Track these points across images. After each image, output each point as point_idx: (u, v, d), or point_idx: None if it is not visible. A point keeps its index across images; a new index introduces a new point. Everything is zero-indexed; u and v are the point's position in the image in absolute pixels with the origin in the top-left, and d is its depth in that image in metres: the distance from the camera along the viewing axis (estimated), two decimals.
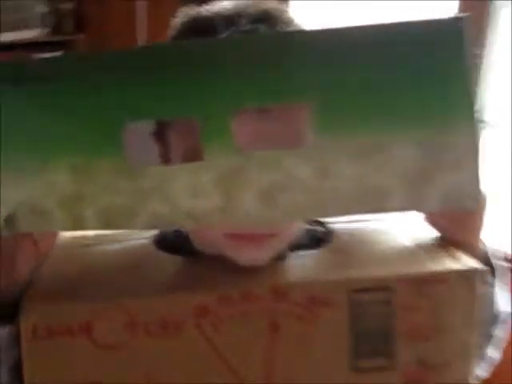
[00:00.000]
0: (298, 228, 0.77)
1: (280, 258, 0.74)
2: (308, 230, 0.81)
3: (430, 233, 0.78)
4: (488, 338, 0.83)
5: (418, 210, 0.68)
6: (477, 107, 0.62)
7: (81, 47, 3.36)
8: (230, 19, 0.73)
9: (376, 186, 0.63)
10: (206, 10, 0.76)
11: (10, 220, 0.62)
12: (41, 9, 3.35)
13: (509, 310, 0.83)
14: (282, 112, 0.66)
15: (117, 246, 0.79)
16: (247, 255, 0.72)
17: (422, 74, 0.61)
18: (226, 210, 0.61)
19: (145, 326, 0.68)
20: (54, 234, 0.72)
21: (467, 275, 0.71)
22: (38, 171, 0.61)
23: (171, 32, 0.77)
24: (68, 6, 3.38)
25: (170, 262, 0.75)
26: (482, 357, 0.83)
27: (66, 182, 0.61)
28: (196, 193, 0.61)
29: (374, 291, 0.70)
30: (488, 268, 0.77)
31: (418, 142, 0.62)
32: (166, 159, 0.63)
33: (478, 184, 0.63)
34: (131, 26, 3.23)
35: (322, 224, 0.81)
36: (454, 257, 0.73)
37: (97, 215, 0.62)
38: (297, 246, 0.76)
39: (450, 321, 0.71)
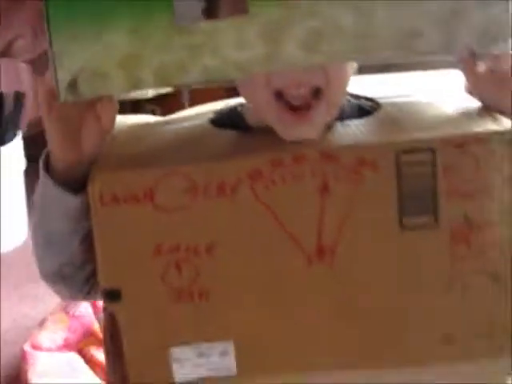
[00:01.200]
0: (344, 89, 0.80)
1: (329, 127, 0.78)
2: (356, 104, 0.84)
3: (473, 102, 0.81)
4: None
5: (451, 49, 0.70)
6: None
7: None
8: None
9: (409, 28, 0.66)
10: None
11: (73, 85, 0.67)
12: None
13: None
14: None
15: (175, 126, 0.85)
16: (294, 130, 0.76)
17: None
18: (270, 57, 0.66)
19: (204, 189, 0.73)
20: (115, 110, 0.77)
21: (508, 136, 0.74)
22: (97, 36, 0.66)
23: None
24: None
25: (226, 136, 0.81)
26: None
27: (123, 44, 0.66)
28: (242, 45, 0.65)
29: (419, 152, 0.74)
30: None
31: None
32: (213, 16, 0.67)
33: (508, 22, 0.66)
34: None
35: (369, 99, 0.85)
36: (495, 120, 0.76)
37: (152, 73, 0.67)
38: (346, 118, 0.80)
39: (492, 180, 0.75)
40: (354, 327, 0.78)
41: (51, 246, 0.81)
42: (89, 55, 0.66)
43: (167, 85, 0.69)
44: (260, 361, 0.79)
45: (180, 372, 0.79)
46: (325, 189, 0.74)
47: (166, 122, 0.87)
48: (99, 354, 2.17)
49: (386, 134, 0.77)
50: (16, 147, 3.08)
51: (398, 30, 0.66)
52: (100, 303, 2.27)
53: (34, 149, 3.58)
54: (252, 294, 0.77)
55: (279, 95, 0.75)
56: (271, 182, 0.73)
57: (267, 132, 0.78)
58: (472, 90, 0.81)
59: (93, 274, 0.83)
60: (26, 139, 3.17)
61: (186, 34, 0.65)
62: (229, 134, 0.81)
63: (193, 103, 0.94)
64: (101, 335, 2.22)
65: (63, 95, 0.68)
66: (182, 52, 0.66)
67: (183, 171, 0.73)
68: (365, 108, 0.84)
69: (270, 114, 0.76)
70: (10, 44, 3.19)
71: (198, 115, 0.87)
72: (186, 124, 0.85)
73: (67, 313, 2.23)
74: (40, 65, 3.27)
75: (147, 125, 0.87)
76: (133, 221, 0.74)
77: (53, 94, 0.71)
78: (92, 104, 0.73)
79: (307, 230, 0.75)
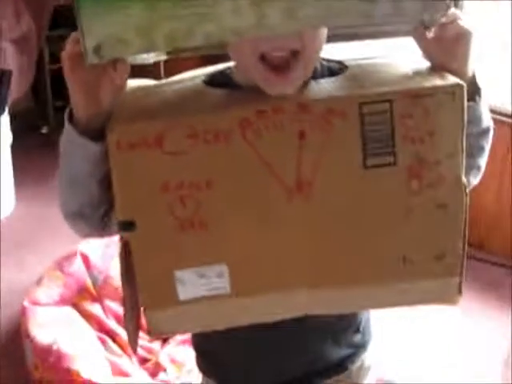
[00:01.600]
0: (318, 52, 0.95)
1: (305, 84, 0.93)
2: (327, 66, 1.00)
3: (426, 64, 0.97)
4: (479, 149, 1.02)
5: (401, 17, 0.86)
6: None
7: None
8: None
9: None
10: None
11: (97, 49, 0.82)
12: None
13: (491, 124, 1.02)
14: None
15: (174, 86, 1.00)
16: (276, 86, 0.91)
17: None
18: (259, 25, 0.81)
19: (203, 136, 0.89)
20: (128, 71, 0.91)
21: (452, 89, 0.90)
22: (118, 9, 0.81)
23: None
24: None
25: (219, 93, 0.96)
26: (473, 166, 1.02)
27: (139, 14, 0.81)
28: (237, 14, 0.81)
29: (378, 103, 0.89)
30: (475, 88, 0.96)
31: None
32: None
33: None
34: None
35: (339, 62, 1.01)
36: (442, 78, 0.92)
37: (164, 38, 0.82)
38: (318, 77, 0.96)
39: (441, 127, 0.91)
40: (326, 248, 0.94)
41: (73, 187, 0.96)
42: (111, 25, 0.81)
43: (175, 47, 0.84)
44: (249, 281, 0.95)
45: (183, 291, 0.95)
46: (301, 134, 0.89)
47: (166, 84, 1.02)
48: (92, 308, 2.35)
49: (352, 89, 0.92)
50: (3, 122, 3.15)
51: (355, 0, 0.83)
52: (93, 258, 2.42)
53: (20, 124, 3.69)
54: (243, 223, 0.92)
55: (263, 58, 0.90)
56: (258, 130, 0.89)
57: (253, 89, 0.93)
58: (423, 54, 0.97)
59: (106, 214, 0.98)
60: (12, 114, 3.27)
61: (191, 5, 0.81)
62: (220, 92, 0.96)
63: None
64: (93, 291, 2.38)
65: (90, 58, 0.83)
66: (188, 20, 0.81)
67: (186, 122, 0.89)
68: (334, 69, 0.99)
69: (256, 74, 0.91)
70: None
71: (191, 78, 1.02)
72: (182, 85, 1.00)
73: (62, 271, 2.38)
74: (23, 44, 3.39)
75: (149, 86, 1.02)
76: (144, 163, 0.89)
77: (74, 59, 0.86)
78: (107, 67, 0.88)
79: (288, 168, 0.90)
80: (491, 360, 2.39)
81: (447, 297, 1.00)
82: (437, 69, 0.95)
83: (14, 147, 3.28)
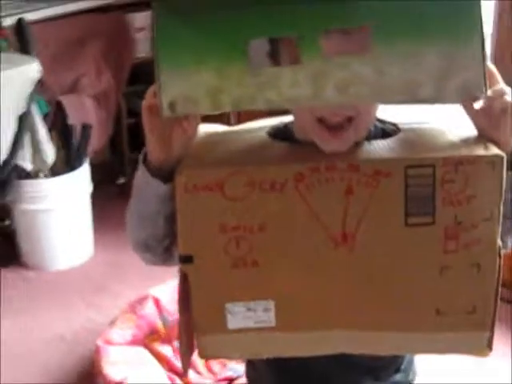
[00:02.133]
0: (371, 119, 1.05)
1: (357, 145, 1.03)
2: (381, 128, 1.09)
3: (472, 132, 1.05)
4: None
5: (442, 99, 0.95)
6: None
7: None
8: None
9: (413, 80, 0.91)
10: None
11: (172, 105, 0.94)
12: None
13: None
14: (353, 30, 0.94)
15: (240, 136, 1.10)
16: (331, 145, 1.01)
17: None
18: (314, 95, 0.92)
19: (259, 185, 0.99)
20: (198, 124, 1.03)
21: (493, 159, 0.97)
22: (192, 71, 0.92)
23: None
24: None
25: (279, 146, 1.06)
26: (511, 228, 1.09)
27: (210, 79, 0.92)
28: (295, 85, 0.91)
29: (423, 167, 0.98)
30: None
31: (441, 50, 0.91)
32: (276, 63, 0.93)
33: (483, 80, 0.91)
34: None
35: (393, 124, 1.10)
36: (486, 147, 1.00)
37: (230, 102, 0.93)
38: (372, 138, 1.05)
39: (479, 193, 0.98)
40: (366, 296, 1.03)
41: (142, 221, 1.07)
42: (185, 86, 0.93)
43: (242, 108, 0.95)
44: (293, 318, 1.05)
45: (232, 321, 1.05)
46: (349, 190, 0.98)
47: (233, 132, 1.13)
48: (162, 348, 2.44)
49: (400, 151, 1.01)
50: (83, 173, 3.34)
51: (403, 81, 0.91)
52: (164, 301, 2.52)
53: (99, 175, 3.89)
54: (291, 266, 1.02)
55: (320, 120, 1.00)
56: (310, 184, 0.98)
57: (310, 145, 1.03)
58: (472, 122, 1.04)
59: (170, 247, 1.09)
60: (92, 165, 3.43)
61: (256, 75, 0.92)
62: (281, 145, 1.06)
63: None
64: (163, 332, 2.48)
65: (165, 112, 0.94)
66: (253, 88, 0.92)
67: (246, 171, 0.99)
68: (387, 131, 1.08)
69: (313, 133, 1.01)
70: (76, 81, 3.51)
71: (257, 129, 1.12)
72: (248, 134, 1.11)
73: (135, 313, 2.49)
74: (102, 99, 3.58)
75: (219, 133, 1.13)
76: (206, 205, 1.00)
77: (151, 111, 0.98)
78: (180, 119, 0.99)
79: (335, 220, 0.99)
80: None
81: (477, 349, 1.07)
82: (483, 138, 1.02)
83: (94, 197, 3.43)
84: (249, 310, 1.04)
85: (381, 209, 0.99)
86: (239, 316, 1.05)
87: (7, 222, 3.40)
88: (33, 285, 3.21)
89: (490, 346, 1.07)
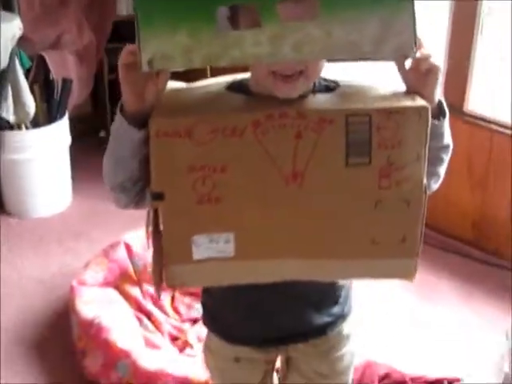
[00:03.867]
0: (318, 72, 1.22)
1: (305, 96, 1.19)
2: (325, 85, 1.26)
3: (402, 88, 1.22)
4: (439, 160, 1.27)
5: (380, 58, 1.12)
6: None
7: None
8: None
9: (355, 41, 1.08)
10: None
11: (150, 62, 1.09)
12: None
13: (451, 141, 1.27)
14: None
15: (205, 89, 1.26)
16: (284, 91, 1.17)
17: None
18: (273, 53, 1.08)
19: (222, 130, 1.14)
20: (167, 78, 1.17)
21: (419, 109, 1.15)
22: (168, 33, 1.07)
23: None
24: None
25: (238, 98, 1.22)
26: (434, 173, 1.28)
27: (184, 39, 1.07)
28: (256, 45, 1.07)
29: (360, 116, 1.15)
30: (441, 111, 1.21)
31: (380, 18, 1.08)
32: (237, 27, 1.10)
33: (413, 43, 1.09)
34: None
35: (334, 82, 1.26)
36: (413, 100, 1.17)
37: (200, 58, 1.08)
38: (316, 91, 1.22)
39: (408, 138, 1.16)
40: (312, 228, 1.20)
41: (119, 165, 1.21)
42: (162, 45, 1.08)
43: (208, 64, 1.11)
44: (249, 248, 1.21)
45: (197, 253, 1.21)
46: (298, 135, 1.15)
47: (196, 87, 1.28)
48: (132, 290, 2.65)
49: (341, 103, 1.18)
50: (63, 125, 3.47)
51: (347, 41, 1.08)
52: (135, 247, 2.71)
53: (80, 128, 4.00)
54: (248, 202, 1.18)
55: (274, 73, 1.16)
56: (266, 129, 1.14)
57: (264, 97, 1.19)
58: (402, 79, 1.22)
59: (142, 189, 1.24)
60: (74, 119, 3.56)
61: (223, 36, 1.08)
62: (239, 96, 1.22)
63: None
64: (133, 276, 2.68)
65: (144, 68, 1.09)
66: (220, 47, 1.08)
67: (210, 118, 1.14)
68: (330, 87, 1.25)
69: (268, 83, 1.17)
70: (58, 38, 3.64)
71: (216, 83, 1.27)
72: (210, 88, 1.26)
73: (107, 257, 2.69)
74: (83, 55, 3.70)
75: (184, 87, 1.28)
76: (176, 148, 1.15)
77: (128, 66, 1.12)
78: (152, 74, 1.13)
79: (287, 161, 1.16)
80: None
81: (406, 274, 1.26)
82: (411, 92, 1.20)
83: (73, 148, 3.59)
84: (211, 241, 1.20)
85: (325, 151, 1.16)
86: (203, 247, 1.20)
87: None
88: (14, 231, 3.38)
89: (415, 271, 1.25)
